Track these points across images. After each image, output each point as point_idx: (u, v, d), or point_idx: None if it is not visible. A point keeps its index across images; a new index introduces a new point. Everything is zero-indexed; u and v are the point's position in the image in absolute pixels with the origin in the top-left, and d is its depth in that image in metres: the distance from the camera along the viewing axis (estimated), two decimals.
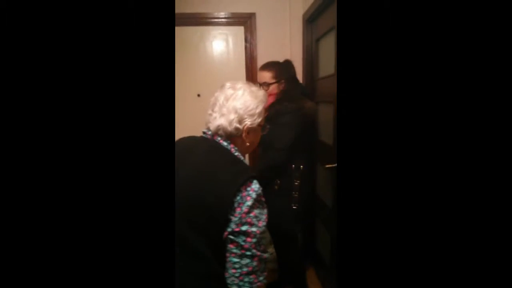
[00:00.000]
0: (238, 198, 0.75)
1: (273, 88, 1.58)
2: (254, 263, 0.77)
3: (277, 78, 1.57)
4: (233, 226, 0.75)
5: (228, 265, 0.77)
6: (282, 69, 1.60)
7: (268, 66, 1.62)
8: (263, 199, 0.80)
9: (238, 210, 0.75)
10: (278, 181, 1.54)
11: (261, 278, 0.80)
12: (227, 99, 0.86)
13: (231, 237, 0.75)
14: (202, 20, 2.16)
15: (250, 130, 0.87)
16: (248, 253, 0.76)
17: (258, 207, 0.77)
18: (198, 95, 2.24)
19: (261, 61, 2.20)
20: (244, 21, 2.17)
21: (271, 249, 1.80)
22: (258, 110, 0.87)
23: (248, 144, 0.90)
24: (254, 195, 0.76)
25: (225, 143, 0.86)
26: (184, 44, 2.19)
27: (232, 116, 0.84)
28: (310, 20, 1.98)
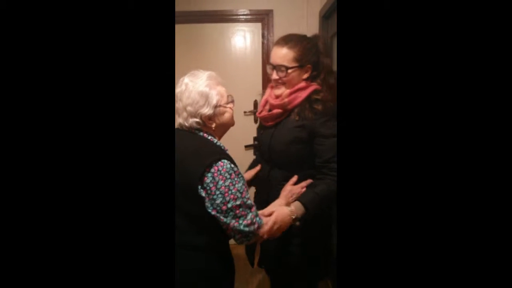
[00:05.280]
0: (209, 179, 0.83)
1: (293, 76, 1.06)
2: (252, 228, 0.87)
3: (301, 62, 1.06)
4: (219, 203, 0.83)
5: (233, 233, 0.88)
6: (309, 47, 1.07)
7: (289, 41, 1.06)
8: (235, 173, 0.86)
9: (213, 189, 0.83)
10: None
11: (261, 221, 0.90)
12: (177, 100, 0.91)
13: (219, 215, 0.84)
14: (221, 17, 2.23)
15: (210, 116, 0.91)
16: (246, 228, 0.86)
17: (229, 179, 0.84)
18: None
19: None
20: (262, 18, 2.22)
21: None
22: (209, 99, 0.89)
23: (214, 127, 0.93)
24: (223, 172, 0.83)
25: (196, 131, 0.92)
26: (204, 41, 2.28)
27: (185, 115, 0.90)
28: (326, 16, 2.00)
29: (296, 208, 0.98)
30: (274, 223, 0.92)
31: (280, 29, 2.21)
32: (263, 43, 2.25)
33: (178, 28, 2.27)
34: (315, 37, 1.13)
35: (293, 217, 0.97)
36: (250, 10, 2.21)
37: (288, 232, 1.06)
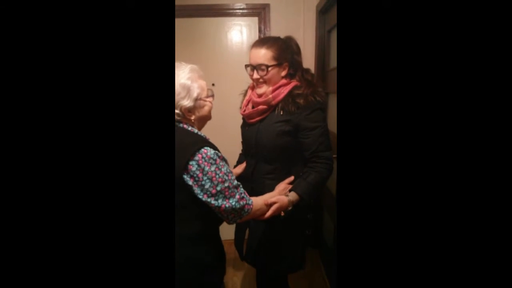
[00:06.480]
0: (195, 167, 0.85)
1: (273, 74, 1.15)
2: (243, 203, 0.93)
3: (279, 60, 1.15)
4: (208, 187, 0.86)
5: (225, 214, 0.92)
6: (285, 47, 1.17)
7: (266, 42, 1.16)
8: (219, 158, 0.89)
9: (200, 175, 0.85)
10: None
11: (250, 202, 0.96)
12: None
13: (210, 199, 0.87)
14: (218, 11, 2.22)
15: (190, 108, 0.93)
16: (238, 204, 0.90)
17: (214, 164, 0.87)
18: (213, 84, 2.31)
19: None
20: (258, 12, 2.21)
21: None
22: (191, 91, 0.92)
23: (194, 119, 0.96)
24: (208, 159, 0.86)
25: (176, 122, 0.94)
26: (200, 35, 2.26)
27: None
28: (323, 11, 1.99)
29: (294, 198, 1.10)
30: (274, 211, 1.03)
31: (276, 24, 2.20)
32: (259, 37, 2.24)
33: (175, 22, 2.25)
34: (288, 38, 1.22)
35: (290, 208, 1.08)
36: (246, 4, 2.20)
37: (271, 229, 1.20)
